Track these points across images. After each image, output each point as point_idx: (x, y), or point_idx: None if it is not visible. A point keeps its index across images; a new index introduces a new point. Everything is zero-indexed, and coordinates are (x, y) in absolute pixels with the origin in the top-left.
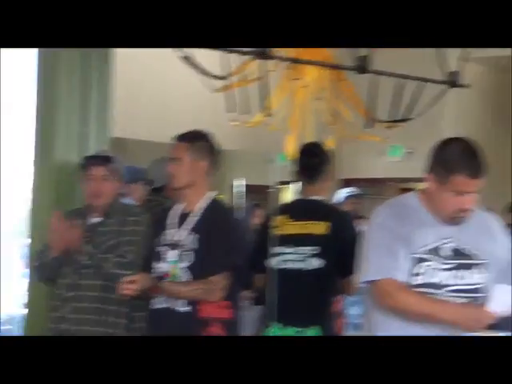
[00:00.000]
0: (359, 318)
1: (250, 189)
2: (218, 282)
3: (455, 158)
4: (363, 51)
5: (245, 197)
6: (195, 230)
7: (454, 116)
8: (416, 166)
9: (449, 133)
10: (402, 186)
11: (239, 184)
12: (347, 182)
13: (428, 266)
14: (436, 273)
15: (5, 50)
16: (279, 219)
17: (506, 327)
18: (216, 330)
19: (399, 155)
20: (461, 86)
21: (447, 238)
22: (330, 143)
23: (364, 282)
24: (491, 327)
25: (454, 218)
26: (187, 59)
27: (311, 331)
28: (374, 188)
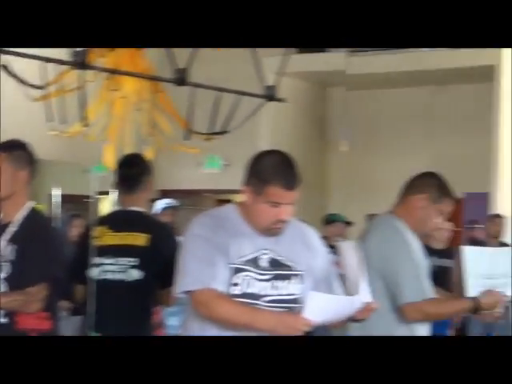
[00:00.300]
0: (178, 328)
1: (67, 199)
2: (36, 293)
3: (270, 170)
4: (182, 64)
5: (60, 207)
6: (13, 240)
7: (270, 129)
8: (232, 177)
9: (265, 145)
10: (219, 197)
11: (56, 194)
12: (164, 193)
13: (246, 276)
14: (254, 283)
15: None
16: (99, 230)
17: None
18: None
19: (216, 167)
20: (277, 99)
21: (264, 249)
22: (148, 154)
23: (182, 292)
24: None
25: (271, 230)
26: (5, 68)
27: None
28: (191, 199)
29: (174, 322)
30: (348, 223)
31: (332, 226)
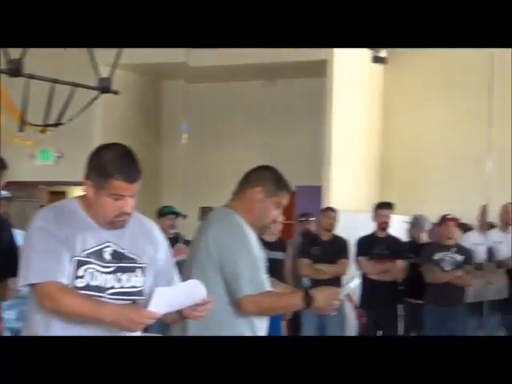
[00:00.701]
0: (15, 321)
1: None
2: None
3: (112, 164)
4: (16, 54)
5: None
6: None
7: (104, 122)
8: (66, 169)
9: (99, 138)
10: (52, 189)
11: None
12: None
13: (89, 269)
14: (98, 276)
15: None
16: None
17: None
18: None
19: (49, 159)
20: (112, 92)
21: (107, 241)
22: None
23: (25, 285)
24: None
25: (114, 222)
26: None
27: None
28: (25, 191)
29: (10, 316)
30: (180, 215)
31: (165, 217)
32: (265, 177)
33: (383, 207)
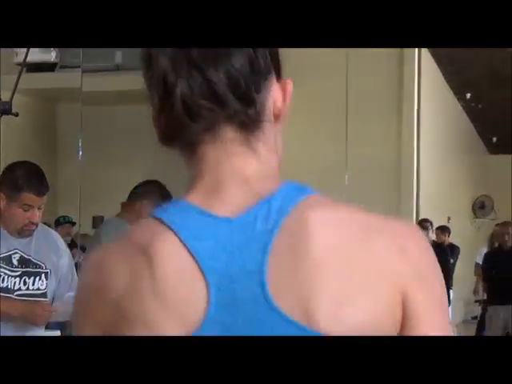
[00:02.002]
0: None
1: None
2: None
3: (23, 178)
4: None
5: None
6: None
7: (3, 142)
8: None
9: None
10: None
11: None
12: None
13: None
14: (6, 279)
15: None
16: None
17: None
18: None
19: None
20: (12, 114)
21: (15, 248)
22: None
23: None
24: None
25: (22, 231)
26: None
27: None
28: None
29: None
30: (75, 224)
31: (62, 226)
32: (152, 190)
33: None
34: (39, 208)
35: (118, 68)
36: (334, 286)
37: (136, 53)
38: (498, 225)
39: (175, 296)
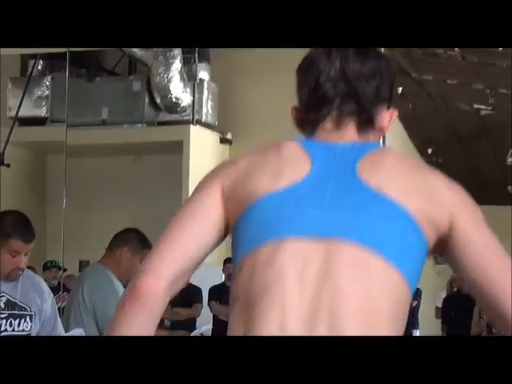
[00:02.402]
0: None
1: None
2: None
3: (11, 226)
4: None
5: None
6: None
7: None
8: None
9: None
10: None
11: None
12: None
13: None
14: None
15: None
16: None
17: None
18: None
19: None
20: (5, 165)
21: (3, 292)
22: None
23: None
24: None
25: (9, 276)
26: None
27: None
28: None
29: None
30: (61, 269)
31: (49, 270)
32: (131, 237)
33: (229, 261)
34: (26, 254)
35: (104, 123)
36: (401, 180)
37: (120, 109)
38: None
39: (293, 161)
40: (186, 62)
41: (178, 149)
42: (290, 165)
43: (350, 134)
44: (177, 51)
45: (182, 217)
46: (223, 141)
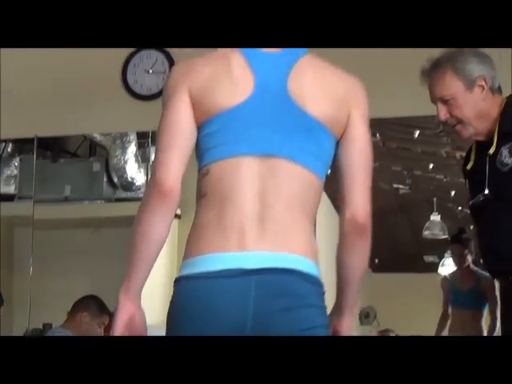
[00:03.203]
0: None
1: None
2: None
3: None
4: None
5: None
6: None
7: None
8: None
9: None
10: None
11: None
12: None
13: None
14: None
15: None
16: None
17: None
18: None
19: None
20: None
21: None
22: None
23: None
24: None
25: None
26: None
27: None
28: None
29: None
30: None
31: None
32: (90, 304)
33: None
34: None
35: (66, 199)
36: (318, 93)
37: (82, 187)
38: (380, 331)
39: (240, 77)
40: (140, 146)
41: (133, 222)
42: (239, 81)
43: None
44: (132, 136)
45: (169, 125)
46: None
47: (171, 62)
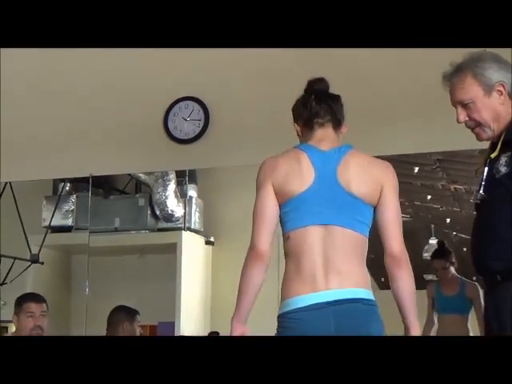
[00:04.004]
0: None
1: None
2: None
3: (22, 296)
4: None
5: None
6: None
7: (34, 281)
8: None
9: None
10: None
11: None
12: None
13: None
14: None
15: None
16: None
17: None
18: None
19: None
20: (39, 262)
21: None
22: None
23: None
24: None
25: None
26: None
27: None
28: None
29: None
30: None
31: None
32: (125, 313)
33: (213, 333)
34: (41, 315)
35: (116, 230)
36: (359, 178)
37: (129, 219)
38: None
39: (305, 170)
40: (179, 184)
41: (173, 249)
42: (304, 174)
43: (330, 137)
44: (172, 175)
45: (260, 208)
46: (207, 243)
47: (205, 111)
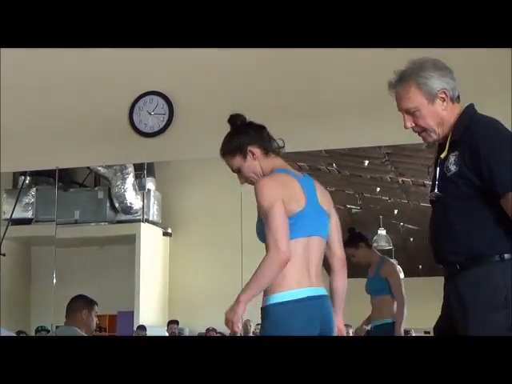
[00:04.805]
0: None
1: None
2: None
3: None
4: None
5: None
6: None
7: None
8: None
9: None
10: None
11: None
12: None
13: None
14: None
15: None
16: None
17: None
18: None
19: None
20: (1, 254)
21: None
22: None
23: None
24: None
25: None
26: None
27: None
28: None
29: None
30: (49, 331)
31: (39, 333)
32: (84, 302)
33: (172, 323)
34: None
35: (76, 222)
36: (324, 199)
37: (88, 212)
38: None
39: (298, 192)
40: (137, 177)
41: (132, 240)
42: (299, 196)
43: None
44: (130, 169)
45: (282, 219)
46: (165, 234)
47: (170, 106)
